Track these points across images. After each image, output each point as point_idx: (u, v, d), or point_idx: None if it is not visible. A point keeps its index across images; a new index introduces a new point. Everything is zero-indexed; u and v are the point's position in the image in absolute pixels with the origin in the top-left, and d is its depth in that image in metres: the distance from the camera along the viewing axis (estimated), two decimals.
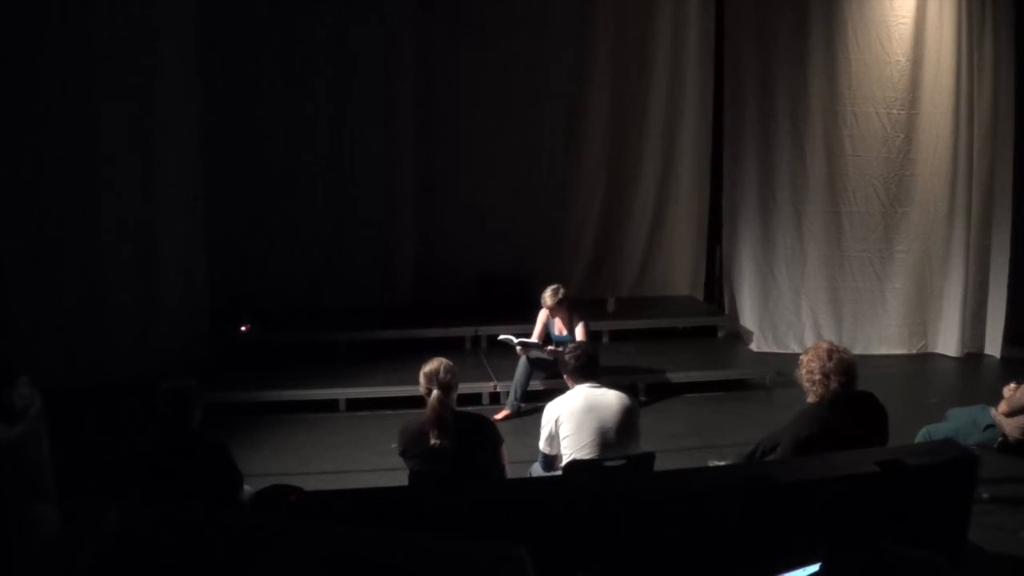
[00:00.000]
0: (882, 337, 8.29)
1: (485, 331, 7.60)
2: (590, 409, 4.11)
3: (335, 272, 8.33)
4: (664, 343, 7.86)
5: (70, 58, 6.57)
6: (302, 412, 6.47)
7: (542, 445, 4.22)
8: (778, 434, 4.20)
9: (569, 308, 6.55)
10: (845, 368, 3.97)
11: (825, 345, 4.10)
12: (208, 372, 6.58)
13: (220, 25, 7.57)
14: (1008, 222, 8.17)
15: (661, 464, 4.11)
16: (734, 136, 8.35)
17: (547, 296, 6.46)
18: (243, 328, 7.45)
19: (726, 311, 8.65)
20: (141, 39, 6.81)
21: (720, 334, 8.39)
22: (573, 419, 4.09)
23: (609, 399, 4.17)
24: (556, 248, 8.64)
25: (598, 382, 4.27)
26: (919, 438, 5.01)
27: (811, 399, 4.06)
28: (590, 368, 4.28)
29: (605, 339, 7.81)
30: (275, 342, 7.50)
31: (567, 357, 4.34)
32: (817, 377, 3.98)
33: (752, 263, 8.40)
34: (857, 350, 7.20)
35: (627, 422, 4.13)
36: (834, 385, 3.94)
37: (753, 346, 8.27)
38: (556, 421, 4.13)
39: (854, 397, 4.03)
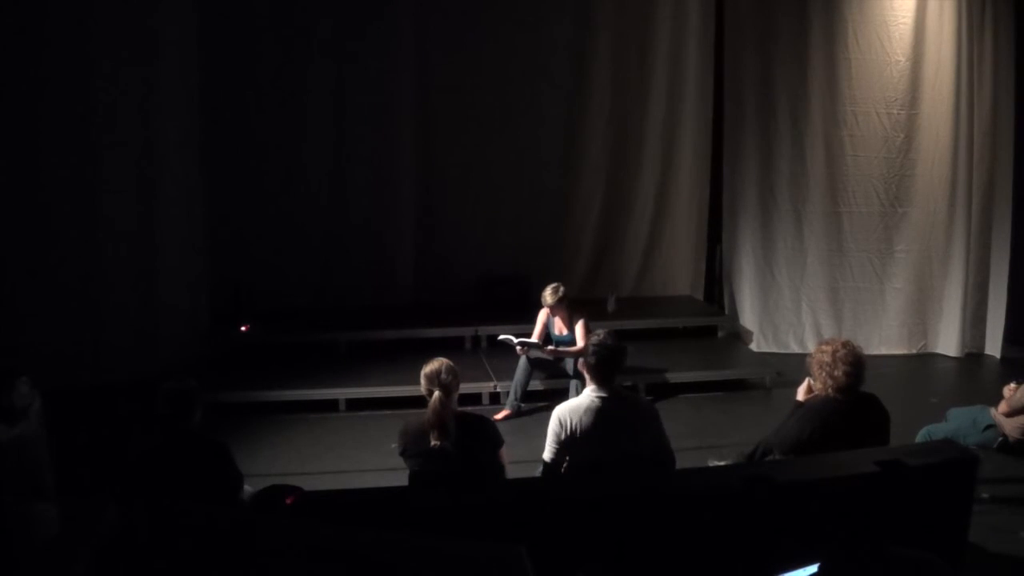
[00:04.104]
0: (882, 337, 8.29)
1: (485, 331, 7.59)
2: (603, 423, 3.81)
3: (335, 272, 8.34)
4: (664, 343, 7.86)
5: (70, 58, 6.57)
6: (302, 412, 6.48)
7: (547, 455, 3.93)
8: (779, 428, 4.21)
9: (569, 307, 6.55)
10: (855, 360, 3.98)
11: (841, 339, 4.15)
12: (208, 372, 6.59)
13: (220, 25, 7.57)
14: (1008, 222, 8.17)
15: None
16: (734, 136, 8.35)
17: (547, 294, 6.46)
18: (243, 328, 7.45)
19: (726, 311, 8.66)
20: (141, 38, 6.80)
21: (720, 334, 8.39)
22: (584, 434, 3.80)
23: (625, 414, 3.87)
24: (556, 248, 8.64)
25: (613, 388, 3.91)
26: (919, 438, 5.01)
27: (818, 387, 4.06)
28: (609, 369, 3.91)
29: (602, 332, 7.78)
30: (275, 342, 7.50)
31: (591, 348, 3.96)
32: (827, 359, 3.99)
33: (752, 263, 8.40)
34: None
35: (644, 436, 3.87)
36: (840, 373, 3.95)
37: (753, 346, 8.27)
38: (567, 429, 3.85)
39: (858, 398, 4.03)
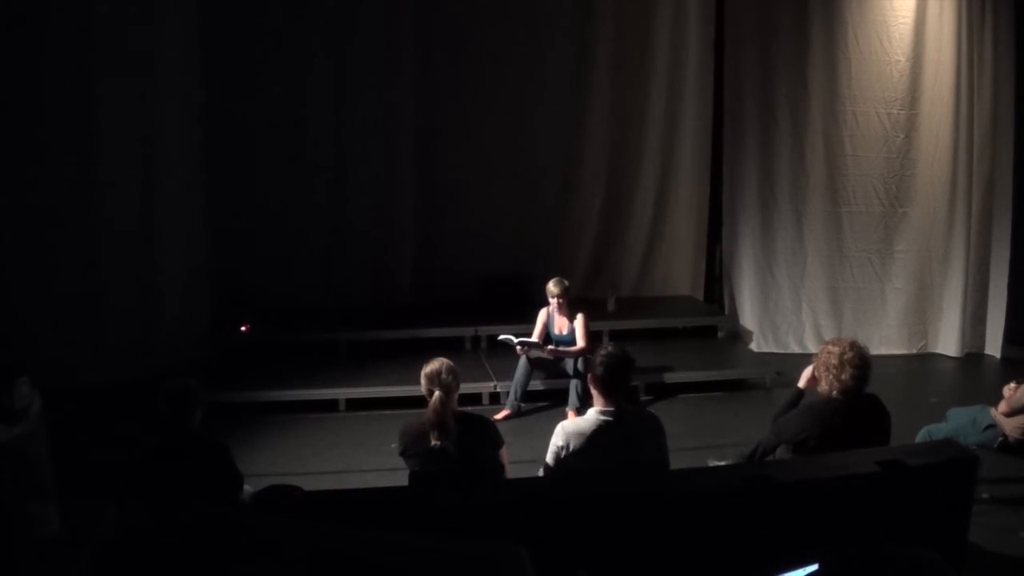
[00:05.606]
0: (882, 337, 8.29)
1: (485, 331, 7.59)
2: (606, 444, 3.72)
3: (335, 272, 8.34)
4: (664, 343, 7.85)
5: (71, 57, 6.57)
6: (302, 412, 6.47)
7: (549, 458, 3.85)
8: (777, 416, 4.21)
9: (570, 305, 6.55)
10: (862, 363, 3.96)
11: (848, 340, 4.12)
12: (208, 372, 6.59)
13: (221, 25, 7.57)
14: (1008, 222, 8.17)
15: None
16: (734, 136, 8.34)
17: (551, 285, 6.42)
18: (243, 328, 7.45)
19: (726, 311, 8.65)
20: (142, 37, 6.81)
21: (720, 334, 8.39)
22: (585, 455, 3.72)
23: (629, 431, 3.77)
24: (556, 248, 8.63)
25: (619, 404, 3.79)
26: (919, 438, 5.01)
27: (822, 387, 4.05)
28: (616, 381, 3.78)
29: (605, 339, 7.79)
30: (275, 342, 7.50)
31: (597, 359, 3.82)
32: (835, 362, 3.97)
33: (752, 263, 8.40)
34: None
35: (645, 450, 3.80)
36: (847, 377, 3.94)
37: (753, 346, 8.27)
38: (568, 449, 3.76)
39: (859, 399, 4.03)
